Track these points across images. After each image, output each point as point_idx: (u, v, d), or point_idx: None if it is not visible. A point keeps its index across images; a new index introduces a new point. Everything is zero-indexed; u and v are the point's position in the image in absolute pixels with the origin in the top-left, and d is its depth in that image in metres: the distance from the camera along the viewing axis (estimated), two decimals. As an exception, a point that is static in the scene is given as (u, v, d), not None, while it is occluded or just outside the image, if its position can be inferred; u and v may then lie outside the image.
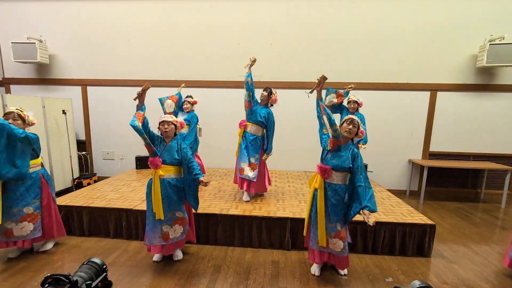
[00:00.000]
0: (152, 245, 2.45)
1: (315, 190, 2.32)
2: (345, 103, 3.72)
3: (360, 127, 2.20)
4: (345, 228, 2.33)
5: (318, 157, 2.36)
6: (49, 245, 2.80)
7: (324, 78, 2.24)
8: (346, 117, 2.24)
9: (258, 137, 3.34)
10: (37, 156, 2.64)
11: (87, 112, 5.19)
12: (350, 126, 2.17)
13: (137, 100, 2.29)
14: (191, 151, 2.62)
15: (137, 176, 4.42)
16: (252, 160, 3.33)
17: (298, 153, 5.01)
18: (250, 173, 3.30)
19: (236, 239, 2.96)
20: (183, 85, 4.17)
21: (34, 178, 2.58)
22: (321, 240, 2.29)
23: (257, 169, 3.33)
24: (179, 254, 2.65)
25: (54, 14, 4.89)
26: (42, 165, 2.71)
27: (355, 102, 3.76)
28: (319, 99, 2.31)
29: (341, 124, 2.25)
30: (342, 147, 2.22)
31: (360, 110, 3.76)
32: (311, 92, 2.41)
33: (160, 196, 2.37)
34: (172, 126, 2.40)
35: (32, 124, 2.57)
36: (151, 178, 2.42)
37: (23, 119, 2.49)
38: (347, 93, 3.50)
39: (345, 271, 2.46)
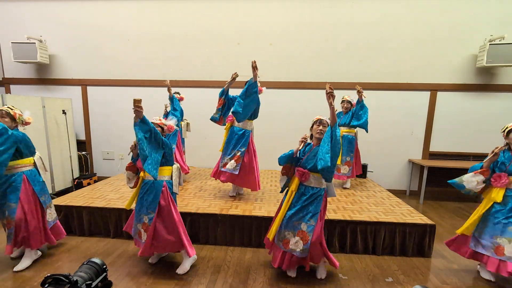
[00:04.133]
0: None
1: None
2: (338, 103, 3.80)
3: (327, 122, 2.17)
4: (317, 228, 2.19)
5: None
6: (25, 263, 2.45)
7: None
8: (314, 119, 2.24)
9: (247, 131, 3.34)
10: (21, 157, 2.44)
11: (87, 112, 5.19)
12: (320, 127, 2.17)
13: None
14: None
15: (137, 176, 4.41)
16: (238, 153, 3.30)
17: (298, 153, 5.01)
18: (231, 166, 3.30)
19: (236, 239, 2.96)
20: (167, 81, 3.93)
21: (14, 179, 2.40)
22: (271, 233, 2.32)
23: (240, 162, 3.29)
24: (185, 267, 2.45)
25: (54, 14, 4.89)
26: (35, 165, 2.55)
27: (349, 102, 3.87)
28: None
29: (312, 127, 2.27)
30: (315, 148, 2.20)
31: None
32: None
33: (138, 193, 2.39)
34: (160, 128, 2.36)
35: (27, 123, 2.49)
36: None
37: (12, 117, 2.39)
38: None
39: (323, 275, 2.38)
